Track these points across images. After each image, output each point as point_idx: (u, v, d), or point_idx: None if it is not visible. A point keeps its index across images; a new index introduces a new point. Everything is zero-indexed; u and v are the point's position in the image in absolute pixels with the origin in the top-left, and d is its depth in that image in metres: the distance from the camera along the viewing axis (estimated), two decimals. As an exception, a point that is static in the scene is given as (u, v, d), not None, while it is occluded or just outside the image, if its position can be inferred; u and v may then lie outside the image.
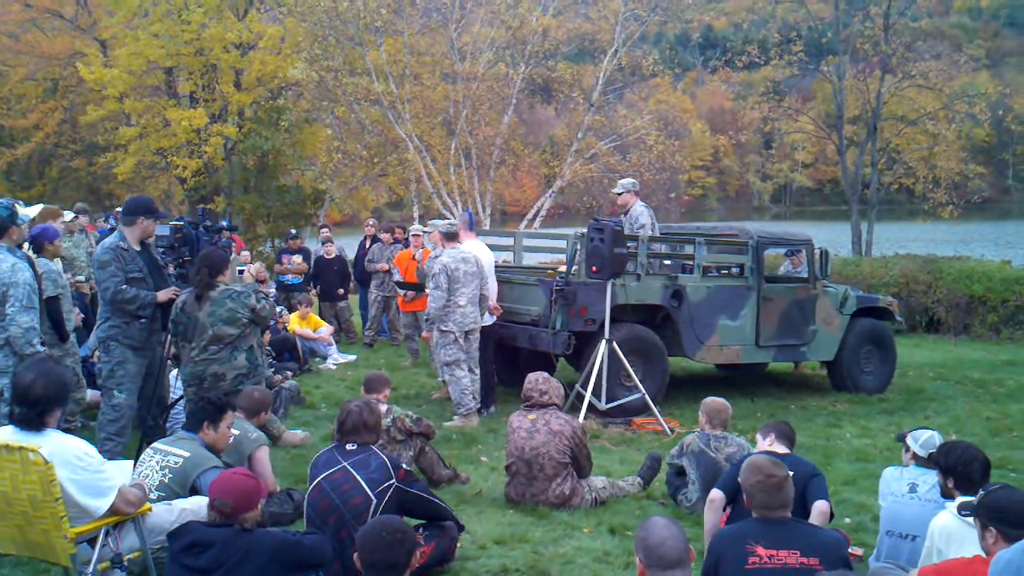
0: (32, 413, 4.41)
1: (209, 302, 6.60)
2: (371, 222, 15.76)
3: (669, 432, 8.91)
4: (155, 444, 5.55)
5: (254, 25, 24.71)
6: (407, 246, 13.24)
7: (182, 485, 5.16)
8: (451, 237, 9.46)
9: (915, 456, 5.24)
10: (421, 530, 5.22)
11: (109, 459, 5.33)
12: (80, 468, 4.39)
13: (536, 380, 6.87)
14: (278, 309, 12.27)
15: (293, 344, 12.08)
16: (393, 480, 5.03)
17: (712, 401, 6.75)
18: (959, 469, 4.55)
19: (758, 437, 5.87)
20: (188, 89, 25.82)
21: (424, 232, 11.86)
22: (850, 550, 4.86)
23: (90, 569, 4.45)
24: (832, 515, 5.32)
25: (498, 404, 9.83)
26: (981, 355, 14.07)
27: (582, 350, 9.52)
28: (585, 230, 9.23)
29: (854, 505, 6.79)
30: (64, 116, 28.19)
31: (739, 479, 4.35)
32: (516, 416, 6.81)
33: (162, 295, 6.80)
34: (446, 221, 10.45)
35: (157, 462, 5.29)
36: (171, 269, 7.17)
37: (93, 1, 28.27)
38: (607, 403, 9.18)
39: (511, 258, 11.87)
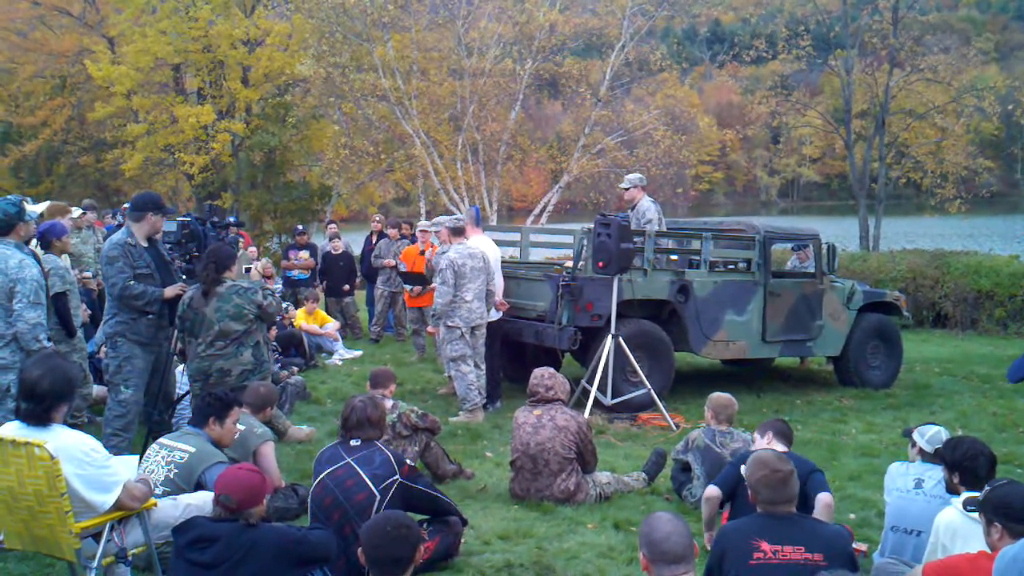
0: (38, 408, 4.43)
1: (216, 298, 6.62)
2: (378, 218, 15.78)
3: (674, 428, 8.91)
4: (161, 439, 5.56)
5: (261, 22, 24.75)
6: (414, 242, 13.25)
7: (187, 480, 5.18)
8: (458, 232, 9.46)
9: (921, 451, 5.23)
10: (425, 525, 5.23)
11: (115, 454, 5.34)
12: (86, 463, 4.40)
13: (542, 375, 6.87)
14: (284, 305, 12.28)
15: (299, 340, 12.10)
16: (397, 476, 5.04)
17: (718, 396, 6.74)
18: (965, 465, 4.54)
19: (756, 436, 5.86)
20: (196, 86, 25.89)
21: (431, 229, 11.86)
22: (855, 546, 4.85)
23: (95, 564, 4.47)
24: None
25: (503, 399, 9.84)
26: (988, 350, 14.03)
27: (588, 345, 9.51)
28: (592, 225, 9.21)
29: (859, 500, 6.77)
30: (72, 113, 28.27)
31: (744, 475, 4.34)
32: (521, 411, 6.81)
33: (169, 291, 6.81)
34: (453, 217, 10.45)
35: (163, 457, 5.31)
36: (178, 264, 7.19)
37: (101, -2, 28.35)
38: (613, 399, 9.18)
39: (517, 254, 11.86)
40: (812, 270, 10.99)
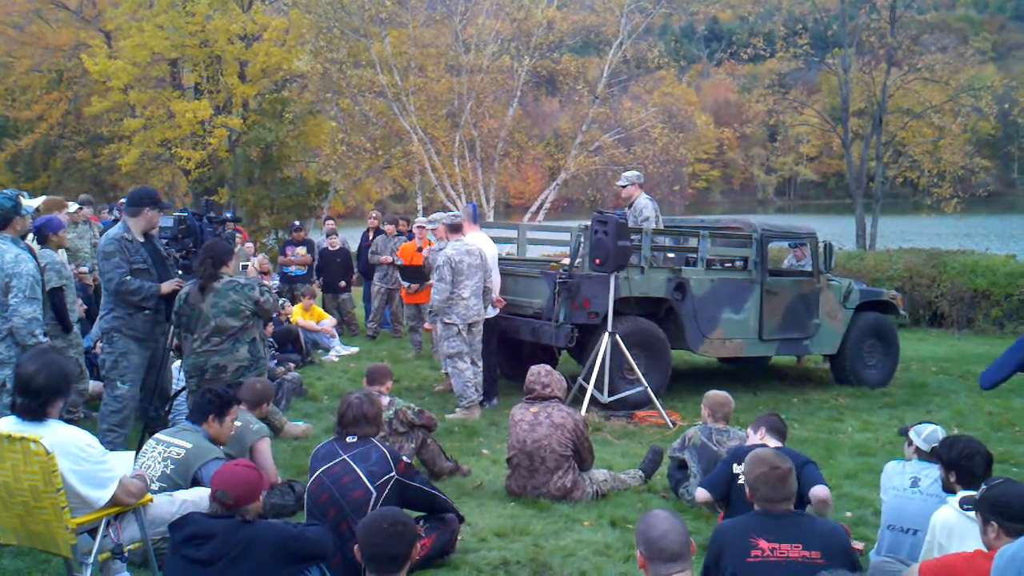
0: (34, 404, 4.41)
1: (213, 293, 6.59)
2: (375, 214, 15.75)
3: (671, 425, 8.91)
4: (157, 435, 5.56)
5: (259, 17, 24.73)
6: (411, 238, 13.23)
7: (184, 476, 5.17)
8: (455, 229, 9.45)
9: (917, 450, 5.23)
10: (422, 522, 5.23)
11: (111, 450, 5.33)
12: (82, 459, 4.39)
13: (539, 373, 6.87)
14: (281, 301, 12.26)
15: (296, 336, 12.08)
16: (393, 473, 5.03)
17: (715, 394, 6.75)
18: (961, 463, 4.54)
19: (749, 431, 5.87)
20: (193, 81, 25.87)
21: (428, 226, 11.84)
22: (851, 543, 4.85)
23: (91, 560, 4.46)
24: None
25: (500, 397, 9.84)
26: (984, 349, 14.04)
27: (585, 343, 9.51)
28: (589, 223, 9.21)
29: (855, 499, 6.78)
30: (68, 107, 28.22)
31: (743, 472, 4.35)
32: (518, 409, 6.81)
33: (166, 286, 6.80)
34: (450, 213, 10.44)
35: (159, 453, 5.30)
36: (175, 258, 7.17)
37: (98, -8, 28.29)
38: (609, 396, 9.18)
39: (515, 250, 11.86)
40: (809, 268, 11.00)
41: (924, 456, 5.16)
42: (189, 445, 5.28)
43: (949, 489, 4.59)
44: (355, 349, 13.14)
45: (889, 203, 30.52)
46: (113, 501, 4.50)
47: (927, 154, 25.07)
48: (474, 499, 6.65)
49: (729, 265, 10.79)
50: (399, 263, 12.59)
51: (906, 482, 5.09)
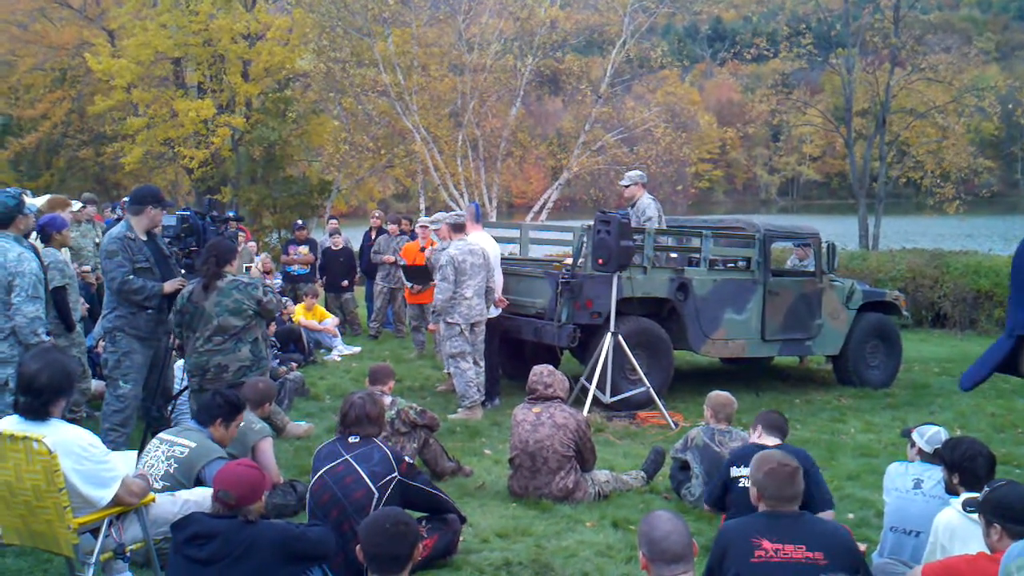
0: (36, 403, 4.41)
1: (216, 292, 6.58)
2: (377, 214, 15.76)
3: (673, 426, 8.90)
4: (162, 434, 5.56)
5: (262, 16, 24.74)
6: (413, 238, 13.23)
7: (187, 475, 5.17)
8: (458, 229, 9.44)
9: (920, 452, 5.22)
10: (424, 523, 5.22)
11: (113, 449, 5.34)
12: (84, 458, 4.39)
13: (541, 373, 6.86)
14: (283, 300, 12.27)
15: (298, 335, 12.09)
16: (396, 473, 5.03)
17: (717, 395, 6.74)
18: (964, 465, 4.53)
19: (750, 430, 5.88)
20: (196, 80, 25.88)
21: (431, 226, 11.84)
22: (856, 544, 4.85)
23: (93, 559, 4.46)
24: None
25: (502, 397, 9.83)
26: (988, 350, 14.00)
27: (587, 343, 9.50)
28: (592, 222, 9.20)
29: (858, 500, 6.77)
30: (72, 106, 28.26)
31: (747, 475, 4.34)
32: (520, 409, 6.80)
33: (169, 285, 6.80)
34: (453, 213, 10.43)
35: (163, 452, 5.31)
36: (178, 256, 7.17)
37: (101, -9, 28.33)
38: (612, 396, 9.17)
39: (517, 250, 11.86)
40: (812, 269, 10.99)
41: (927, 458, 5.15)
42: (193, 444, 5.28)
43: (952, 491, 4.58)
44: (357, 349, 13.14)
45: (892, 203, 30.52)
46: (115, 501, 4.50)
47: (930, 154, 25.05)
48: (476, 499, 6.64)
49: (732, 265, 10.78)
50: (403, 263, 12.58)
51: (909, 484, 5.08)
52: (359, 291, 15.68)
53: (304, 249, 14.95)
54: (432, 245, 11.39)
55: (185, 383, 7.15)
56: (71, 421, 4.84)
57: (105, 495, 4.45)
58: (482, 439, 8.41)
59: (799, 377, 11.82)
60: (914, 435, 5.34)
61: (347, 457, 5.07)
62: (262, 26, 24.51)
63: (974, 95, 24.89)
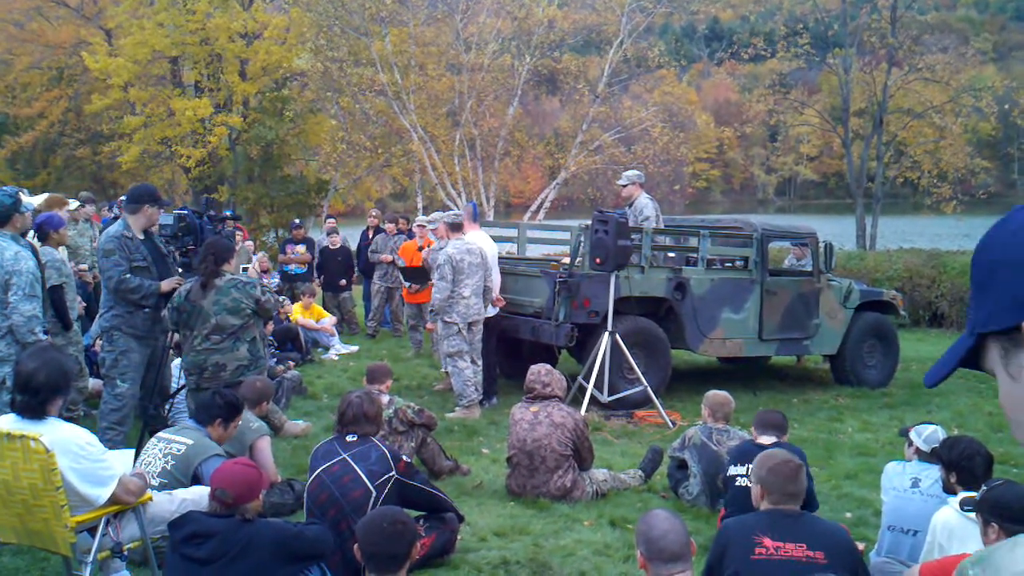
0: (34, 401, 4.41)
1: (214, 291, 6.58)
2: (374, 213, 15.74)
3: (671, 425, 8.90)
4: (160, 433, 5.56)
5: (259, 15, 24.73)
6: (411, 237, 13.22)
7: (184, 472, 5.17)
8: (455, 228, 9.44)
9: (918, 451, 5.22)
10: (422, 521, 5.22)
11: (110, 448, 5.33)
12: (81, 457, 4.38)
13: (539, 372, 6.86)
14: (281, 299, 12.26)
15: (296, 334, 12.08)
16: (393, 472, 5.03)
17: (715, 394, 6.74)
18: (962, 464, 4.53)
19: (752, 431, 5.89)
20: (193, 78, 25.87)
21: (428, 225, 11.83)
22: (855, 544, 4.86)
23: (90, 558, 4.45)
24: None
25: (500, 396, 9.83)
26: (985, 350, 14.01)
27: (585, 342, 9.50)
28: (589, 222, 9.20)
29: (855, 499, 6.78)
30: (69, 105, 28.21)
31: (753, 472, 4.35)
32: (518, 408, 6.80)
33: (166, 284, 6.79)
34: (451, 212, 10.43)
35: (160, 450, 5.30)
36: (176, 258, 7.16)
37: (98, -11, 28.29)
38: (609, 396, 9.17)
39: (515, 249, 11.85)
40: (809, 268, 10.99)
41: (924, 457, 5.15)
42: (190, 441, 5.28)
43: (949, 490, 4.59)
44: (355, 348, 13.13)
45: (889, 203, 30.52)
46: (112, 499, 4.50)
47: (927, 154, 25.07)
48: (474, 498, 6.64)
49: (729, 265, 10.78)
50: (401, 264, 12.58)
51: (906, 483, 5.08)
52: (356, 290, 15.67)
53: (301, 248, 14.93)
54: (430, 244, 11.39)
55: (182, 382, 7.15)
56: (68, 420, 4.84)
57: (102, 494, 4.45)
58: (480, 438, 8.41)
59: (797, 376, 11.83)
60: (912, 434, 5.34)
61: (345, 456, 5.07)
62: (259, 25, 24.49)
63: (971, 95, 24.91)
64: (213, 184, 24.75)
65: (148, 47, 23.57)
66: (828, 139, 36.03)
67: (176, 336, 7.17)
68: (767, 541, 3.87)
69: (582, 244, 9.60)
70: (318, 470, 5.09)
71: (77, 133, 29.21)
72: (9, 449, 4.33)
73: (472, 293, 9.11)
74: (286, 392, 9.37)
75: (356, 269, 15.16)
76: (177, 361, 7.59)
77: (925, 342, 14.81)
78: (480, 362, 9.38)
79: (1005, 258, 1.07)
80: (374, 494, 4.92)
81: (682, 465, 6.66)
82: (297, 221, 17.00)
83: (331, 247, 14.90)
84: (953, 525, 4.27)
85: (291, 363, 10.83)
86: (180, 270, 7.06)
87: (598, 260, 8.87)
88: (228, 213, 8.51)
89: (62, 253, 8.11)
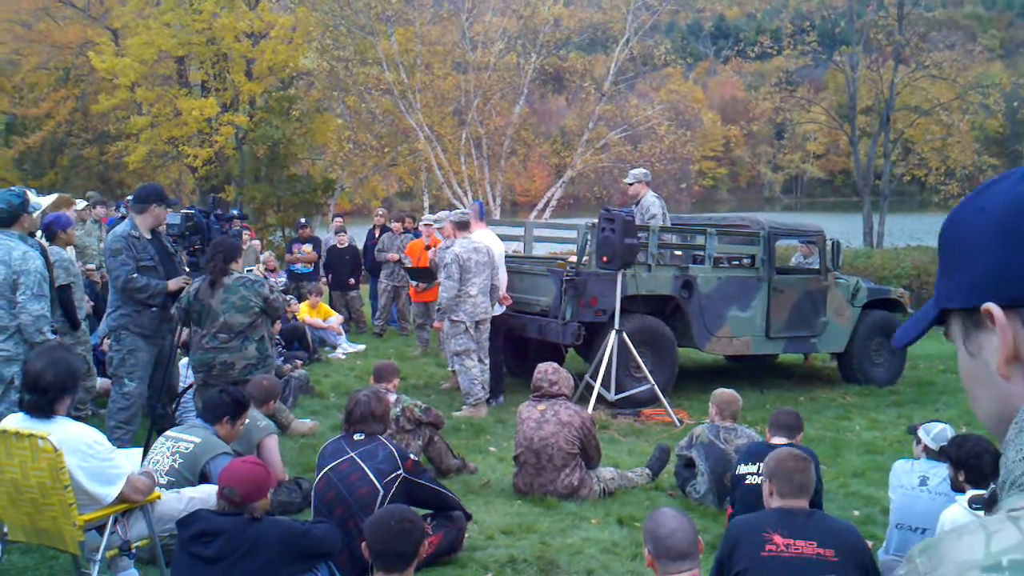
0: (42, 400, 4.42)
1: (223, 289, 6.61)
2: (381, 212, 15.75)
3: (678, 423, 8.90)
4: (167, 432, 5.58)
5: (265, 14, 24.75)
6: (417, 236, 13.22)
7: (192, 470, 5.18)
8: (463, 227, 9.44)
9: (926, 449, 5.21)
10: (429, 520, 5.22)
11: (118, 447, 5.34)
12: (89, 456, 4.40)
13: (546, 370, 6.86)
14: (288, 298, 12.28)
15: (303, 333, 12.09)
16: (401, 470, 5.03)
17: (722, 392, 6.73)
18: (970, 462, 4.52)
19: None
20: (199, 78, 25.89)
21: (435, 224, 11.84)
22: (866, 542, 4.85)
23: (98, 556, 4.46)
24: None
25: (507, 394, 9.83)
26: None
27: (592, 341, 9.50)
28: (596, 220, 9.19)
29: (863, 497, 6.76)
30: (76, 105, 28.25)
31: (763, 469, 4.35)
32: (525, 406, 6.80)
33: (173, 284, 6.81)
34: (457, 211, 10.43)
35: (168, 448, 5.32)
36: (184, 257, 7.18)
37: (105, -10, 28.34)
38: (616, 394, 9.17)
39: (521, 248, 11.85)
40: (816, 266, 10.97)
41: (933, 455, 5.14)
42: (198, 440, 5.29)
43: (958, 488, 4.57)
44: (362, 347, 13.14)
45: (896, 201, 30.50)
46: (121, 498, 4.51)
47: (935, 152, 25.02)
48: (481, 497, 6.64)
49: (736, 263, 10.77)
50: (408, 263, 12.58)
51: (915, 481, 5.07)
52: (363, 289, 15.68)
53: (307, 247, 14.94)
54: (436, 244, 11.39)
55: (190, 380, 7.16)
56: (77, 419, 4.85)
57: (110, 492, 4.46)
58: (487, 436, 8.41)
59: (804, 375, 11.81)
60: (920, 432, 5.33)
61: (352, 455, 5.08)
62: (265, 24, 24.51)
63: (978, 92, 24.84)
64: (220, 184, 24.78)
65: (154, 47, 23.61)
66: (835, 137, 36.02)
67: (184, 335, 7.20)
68: (777, 538, 3.86)
69: (589, 242, 9.59)
70: (325, 468, 5.09)
71: (84, 133, 29.26)
72: (18, 448, 4.34)
73: (479, 292, 9.11)
74: (293, 391, 9.39)
75: (363, 268, 15.17)
76: (184, 360, 7.62)
77: (933, 340, 14.70)
78: (487, 361, 9.37)
79: (969, 237, 1.06)
80: (381, 492, 4.93)
81: (689, 463, 6.66)
82: (303, 220, 16.99)
83: (339, 246, 14.90)
84: (961, 523, 4.25)
85: (298, 362, 10.85)
86: (187, 269, 7.07)
87: (605, 258, 8.86)
88: (235, 212, 8.50)
89: (70, 253, 8.13)
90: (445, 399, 9.77)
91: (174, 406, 7.26)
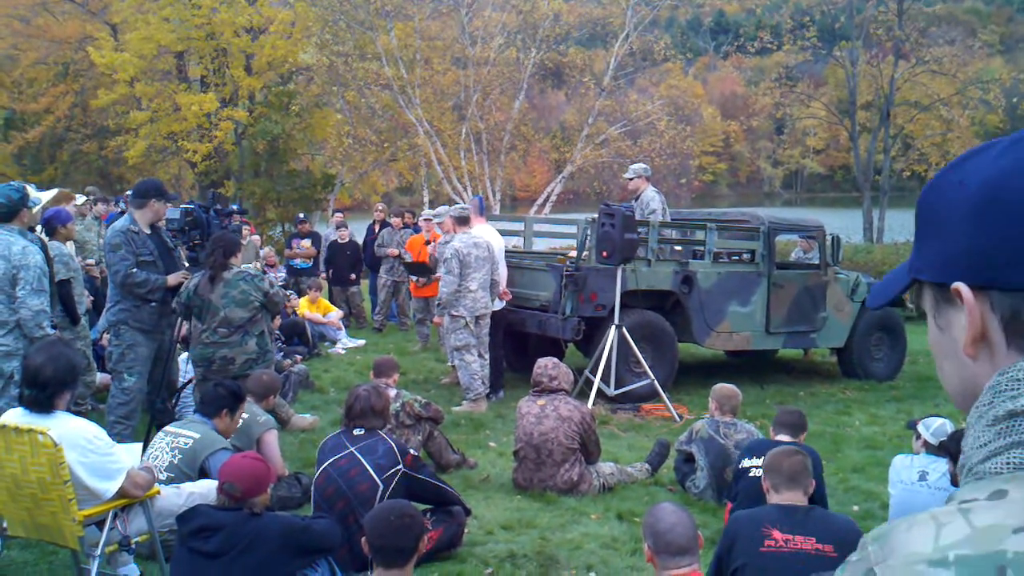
0: (42, 396, 4.42)
1: (222, 283, 6.61)
2: (380, 207, 15.75)
3: (678, 418, 8.89)
4: (166, 427, 5.57)
5: (265, 9, 24.73)
6: (417, 231, 13.21)
7: (191, 466, 5.18)
8: (462, 222, 9.44)
9: (926, 444, 5.22)
10: (429, 515, 5.22)
11: (118, 442, 5.34)
12: (89, 451, 4.39)
13: (545, 366, 6.85)
14: (288, 293, 12.28)
15: (302, 328, 12.09)
16: (400, 466, 5.03)
17: (722, 387, 6.73)
18: (970, 457, 4.52)
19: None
20: (199, 73, 25.88)
21: (434, 219, 11.84)
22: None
23: (98, 551, 4.46)
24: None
25: (507, 389, 9.82)
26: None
27: (592, 336, 9.49)
28: (596, 215, 9.19)
29: (863, 492, 6.76)
30: (75, 100, 28.26)
31: (762, 463, 4.35)
32: (525, 401, 6.80)
33: (172, 279, 6.80)
34: (457, 206, 10.42)
35: (167, 444, 5.31)
36: (183, 253, 7.18)
37: (104, -15, 28.31)
38: (616, 389, 9.16)
39: (521, 243, 11.84)
40: (816, 261, 10.97)
41: (932, 450, 5.14)
42: (197, 435, 5.29)
43: (957, 483, 4.56)
44: (361, 342, 13.14)
45: (896, 196, 30.46)
46: (120, 493, 4.50)
47: (935, 147, 25.02)
48: (481, 492, 6.64)
49: (736, 258, 10.76)
50: (408, 258, 12.58)
51: (914, 476, 5.07)
52: (363, 284, 15.68)
53: (306, 243, 14.94)
54: (436, 239, 11.39)
55: (189, 375, 7.16)
56: (76, 414, 4.84)
57: (110, 487, 4.46)
58: (487, 432, 8.41)
59: (804, 370, 11.81)
60: (919, 427, 5.33)
61: (352, 450, 5.08)
62: (265, 20, 24.50)
63: (978, 88, 24.85)
64: (219, 179, 24.77)
65: (154, 42, 23.59)
66: (835, 132, 36.00)
67: (183, 329, 7.20)
68: (776, 533, 3.86)
69: (589, 238, 9.58)
70: (325, 464, 5.09)
71: (83, 128, 29.26)
72: (17, 443, 4.34)
73: (479, 287, 9.11)
74: (293, 386, 9.38)
75: (363, 263, 15.17)
76: (184, 355, 7.61)
77: (932, 335, 14.76)
78: (487, 356, 9.37)
79: (945, 209, 1.03)
80: (381, 487, 4.93)
81: (689, 458, 6.66)
82: (302, 216, 17.00)
83: (340, 241, 14.89)
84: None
85: (298, 357, 10.85)
86: (187, 265, 7.07)
87: (605, 253, 8.86)
88: (234, 207, 8.50)
89: (70, 248, 8.13)
90: (445, 394, 9.77)
91: (174, 401, 7.26)
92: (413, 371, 10.97)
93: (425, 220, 12.77)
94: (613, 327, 9.02)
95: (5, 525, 4.69)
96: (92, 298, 9.11)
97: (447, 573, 5.20)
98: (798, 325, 10.52)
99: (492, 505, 6.34)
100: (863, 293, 10.88)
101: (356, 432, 5.19)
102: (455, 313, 9.12)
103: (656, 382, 9.11)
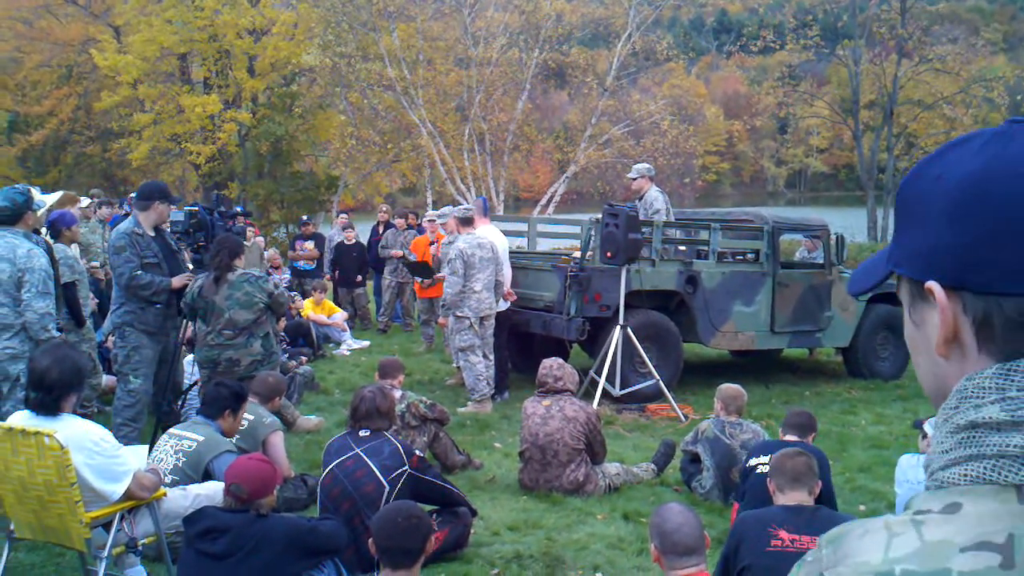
0: (48, 398, 4.42)
1: (227, 285, 6.62)
2: (384, 208, 15.75)
3: (683, 418, 8.89)
4: (171, 430, 5.57)
5: (267, 11, 24.76)
6: (420, 232, 13.21)
7: (196, 468, 5.18)
8: (466, 222, 9.44)
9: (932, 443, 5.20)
10: (435, 516, 5.22)
11: (124, 444, 5.35)
12: (95, 453, 4.39)
13: (551, 366, 6.85)
14: (292, 294, 12.28)
15: (307, 330, 12.09)
16: (406, 467, 5.03)
17: (727, 387, 6.72)
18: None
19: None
20: (202, 75, 25.93)
21: (438, 220, 11.83)
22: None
23: (105, 553, 4.46)
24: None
25: (512, 390, 9.82)
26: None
27: (596, 336, 9.49)
28: (599, 216, 9.18)
29: (869, 492, 6.75)
30: (78, 102, 28.30)
31: (769, 463, 4.35)
32: (530, 402, 6.80)
33: (177, 281, 6.81)
34: (461, 207, 10.42)
35: (172, 446, 5.32)
36: (187, 255, 7.19)
37: (107, -13, 28.37)
38: (621, 389, 9.16)
39: (525, 244, 11.84)
40: (821, 261, 10.96)
41: (939, 449, 5.12)
42: (201, 438, 5.29)
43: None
44: (366, 343, 13.14)
45: (900, 195, 30.43)
46: (127, 495, 4.50)
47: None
48: (487, 493, 6.64)
49: (740, 258, 10.75)
50: (412, 258, 12.58)
51: (920, 475, 5.06)
52: (367, 286, 15.68)
53: (310, 244, 14.94)
54: (441, 239, 11.39)
55: (195, 377, 7.17)
56: (83, 416, 4.84)
57: (117, 489, 4.46)
58: (492, 432, 8.41)
59: (809, 369, 11.80)
60: (926, 426, 5.32)
61: (358, 451, 5.07)
62: (267, 21, 24.53)
63: (982, 86, 24.82)
64: (223, 180, 24.81)
65: (157, 44, 23.64)
66: (838, 131, 35.97)
67: (189, 331, 7.21)
68: (783, 533, 3.86)
69: (593, 238, 9.58)
70: (331, 465, 5.09)
71: (87, 131, 29.30)
72: (24, 446, 4.34)
73: (483, 287, 9.10)
74: (298, 387, 9.38)
75: (368, 264, 15.16)
76: (189, 357, 7.62)
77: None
78: (492, 356, 9.37)
79: (922, 203, 1.00)
80: (387, 489, 4.92)
81: (695, 459, 6.64)
82: (305, 217, 17.01)
83: (346, 242, 14.88)
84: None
85: (303, 358, 10.85)
86: (191, 267, 7.08)
87: (609, 254, 8.85)
88: (239, 209, 8.51)
89: (74, 250, 8.13)
90: (450, 395, 9.77)
91: (179, 403, 7.26)
92: (418, 372, 10.97)
93: (429, 221, 12.77)
94: (617, 327, 9.01)
95: (12, 527, 4.70)
96: (97, 300, 9.11)
97: (453, 574, 5.21)
98: (803, 325, 10.51)
99: (498, 506, 6.34)
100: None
101: (362, 433, 5.18)
102: (460, 314, 9.12)
103: (661, 382, 9.10)
